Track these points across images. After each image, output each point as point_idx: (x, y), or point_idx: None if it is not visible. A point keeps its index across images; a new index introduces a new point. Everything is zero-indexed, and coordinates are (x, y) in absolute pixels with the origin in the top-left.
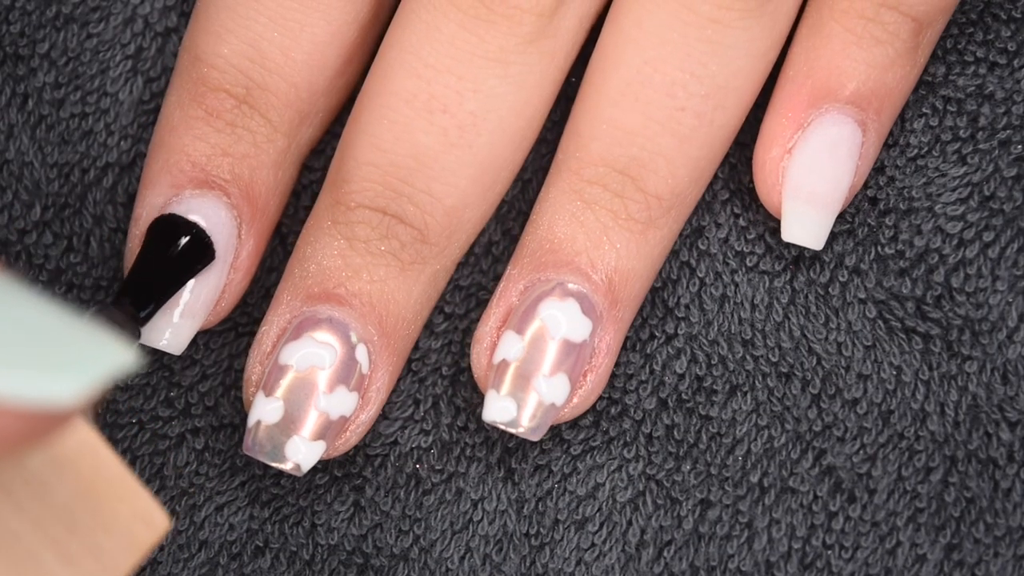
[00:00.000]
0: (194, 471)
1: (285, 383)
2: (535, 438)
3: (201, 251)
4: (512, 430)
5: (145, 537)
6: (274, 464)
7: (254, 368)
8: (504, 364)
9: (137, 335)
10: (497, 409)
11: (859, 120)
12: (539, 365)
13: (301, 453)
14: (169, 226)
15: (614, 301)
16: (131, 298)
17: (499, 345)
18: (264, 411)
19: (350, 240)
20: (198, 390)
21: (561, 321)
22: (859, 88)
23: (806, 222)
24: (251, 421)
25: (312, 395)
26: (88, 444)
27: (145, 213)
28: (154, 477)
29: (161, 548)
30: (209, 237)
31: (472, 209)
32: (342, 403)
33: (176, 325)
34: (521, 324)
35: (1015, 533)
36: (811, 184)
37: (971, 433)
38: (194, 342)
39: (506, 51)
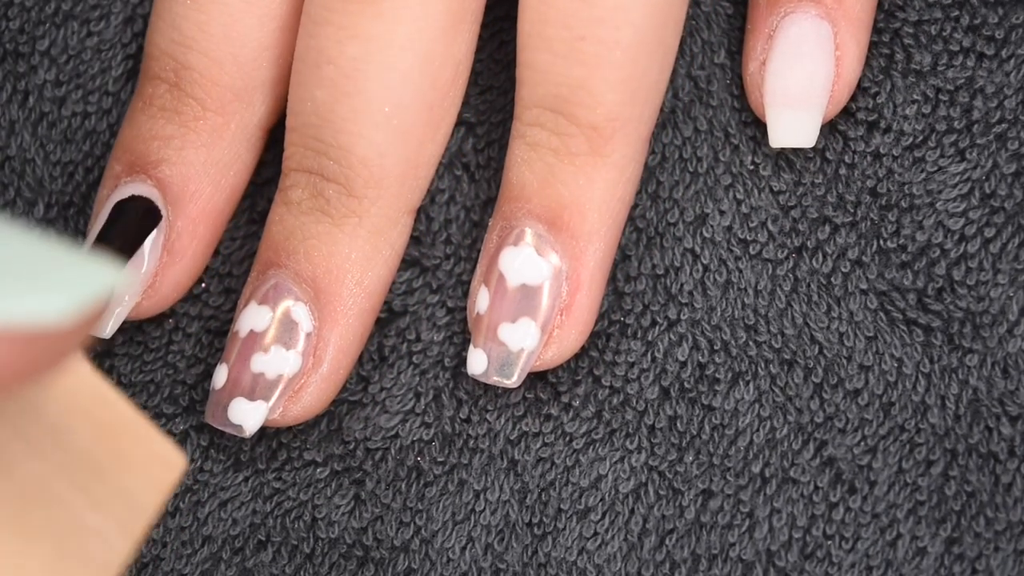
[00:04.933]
0: (198, 467)
1: (231, 349)
2: (513, 385)
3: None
4: (488, 380)
5: (166, 477)
6: (225, 429)
7: (228, 340)
8: (477, 317)
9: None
10: (473, 361)
11: (821, 14)
12: (503, 313)
13: (242, 415)
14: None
15: (571, 236)
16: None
17: (476, 299)
18: (215, 378)
19: (287, 204)
20: (203, 387)
21: (518, 266)
22: None
23: (787, 124)
24: (210, 391)
25: (248, 357)
26: (98, 390)
27: (95, 209)
28: None
29: (164, 544)
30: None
31: (391, 155)
32: (279, 363)
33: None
34: (486, 275)
35: (1015, 528)
36: (784, 86)
37: (972, 427)
38: (199, 340)
39: None
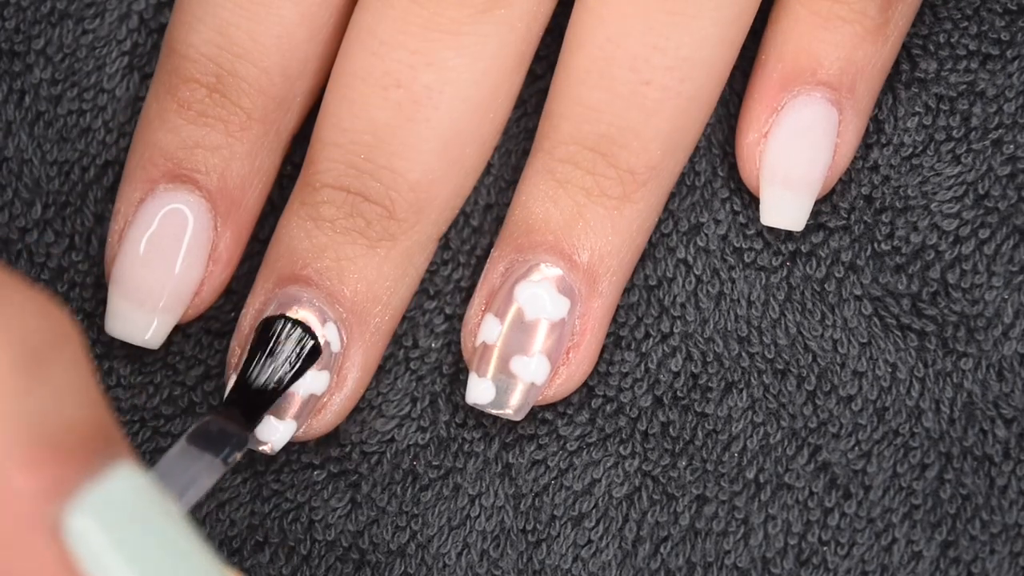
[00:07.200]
0: None
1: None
2: (518, 418)
3: (312, 354)
4: (494, 411)
5: None
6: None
7: (233, 351)
8: (484, 346)
9: (245, 442)
10: (478, 391)
11: (832, 100)
12: (516, 346)
13: (271, 432)
14: (278, 327)
15: (591, 278)
16: (239, 405)
17: (480, 328)
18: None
19: (316, 220)
20: (202, 389)
21: (536, 301)
22: (828, 69)
23: (783, 205)
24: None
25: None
26: None
27: (123, 208)
28: None
29: None
30: (316, 337)
31: (440, 184)
32: (311, 382)
33: (156, 320)
34: (498, 306)
35: (1011, 530)
36: (786, 167)
37: (966, 430)
38: (198, 341)
39: (458, 22)
